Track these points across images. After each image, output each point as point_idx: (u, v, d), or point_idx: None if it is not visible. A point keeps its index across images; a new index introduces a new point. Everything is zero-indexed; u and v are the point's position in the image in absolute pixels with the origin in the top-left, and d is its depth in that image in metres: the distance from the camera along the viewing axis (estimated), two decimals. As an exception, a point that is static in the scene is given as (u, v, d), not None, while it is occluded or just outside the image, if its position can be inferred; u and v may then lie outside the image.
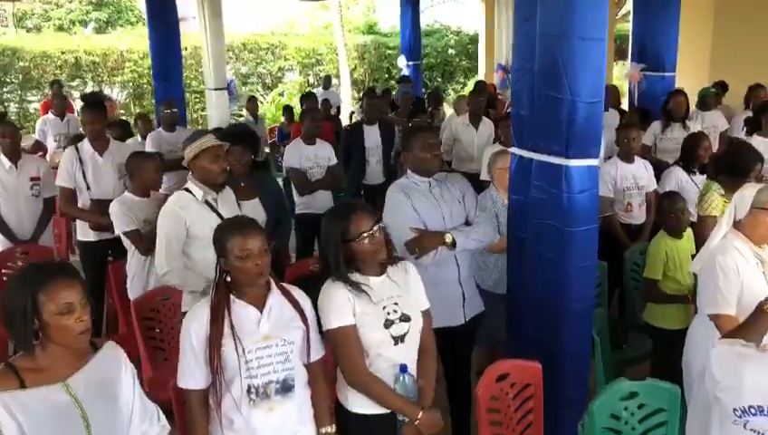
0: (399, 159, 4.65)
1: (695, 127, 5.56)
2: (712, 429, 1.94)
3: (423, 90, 13.07)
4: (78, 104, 8.52)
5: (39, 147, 7.55)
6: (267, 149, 8.88)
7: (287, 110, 9.80)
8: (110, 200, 3.82)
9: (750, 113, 5.90)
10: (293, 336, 2.18)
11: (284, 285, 2.29)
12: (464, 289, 3.08)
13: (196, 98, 14.68)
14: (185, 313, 2.54)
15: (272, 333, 2.15)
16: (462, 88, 16.94)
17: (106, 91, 14.04)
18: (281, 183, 6.13)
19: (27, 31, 17.88)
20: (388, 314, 2.28)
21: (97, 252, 4.31)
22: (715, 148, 5.62)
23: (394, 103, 9.29)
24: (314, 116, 5.43)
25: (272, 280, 2.22)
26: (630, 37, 6.57)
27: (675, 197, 3.70)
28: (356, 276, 2.30)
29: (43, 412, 1.75)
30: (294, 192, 5.16)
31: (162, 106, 6.32)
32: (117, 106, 12.08)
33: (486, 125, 6.24)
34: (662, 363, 3.42)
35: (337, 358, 2.30)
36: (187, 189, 3.14)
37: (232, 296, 2.16)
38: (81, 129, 6.64)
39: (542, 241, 2.83)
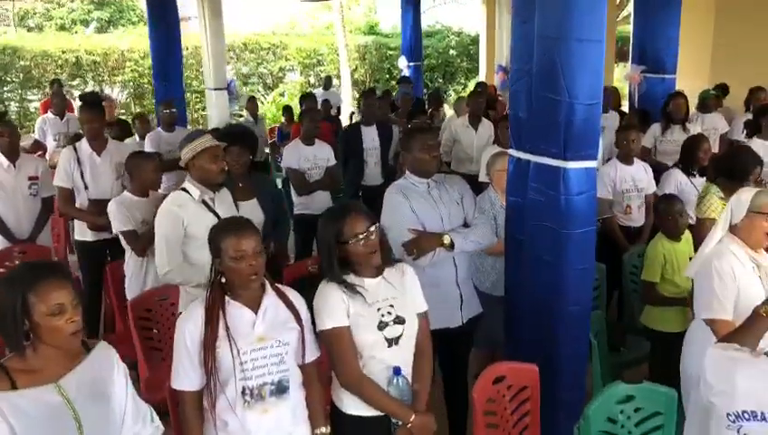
0: (399, 159, 4.64)
1: (695, 129, 5.55)
2: (710, 434, 1.93)
3: (424, 91, 13.06)
4: (77, 104, 8.51)
5: (38, 146, 7.54)
6: (267, 150, 8.88)
7: (287, 110, 9.80)
8: (108, 200, 3.82)
9: (750, 116, 5.88)
10: (288, 337, 2.18)
11: (279, 286, 2.28)
12: (461, 291, 3.07)
13: (196, 98, 14.70)
14: (182, 313, 2.53)
15: (266, 334, 2.14)
16: (463, 89, 16.91)
17: (107, 90, 14.06)
18: (281, 183, 6.14)
19: (29, 30, 17.90)
20: (383, 315, 2.27)
21: (95, 252, 4.30)
22: (715, 150, 5.61)
23: (394, 104, 9.28)
24: (313, 117, 5.42)
25: (266, 281, 2.22)
26: (631, 39, 6.56)
27: (672, 199, 3.70)
28: (351, 278, 2.29)
29: (34, 413, 1.74)
30: (293, 192, 5.16)
31: (161, 106, 6.32)
32: (116, 106, 12.06)
33: (486, 126, 6.22)
34: (660, 366, 3.41)
35: (331, 359, 2.29)
36: (184, 189, 3.13)
37: (227, 297, 2.16)
38: (80, 128, 6.64)
39: (539, 243, 2.83)
